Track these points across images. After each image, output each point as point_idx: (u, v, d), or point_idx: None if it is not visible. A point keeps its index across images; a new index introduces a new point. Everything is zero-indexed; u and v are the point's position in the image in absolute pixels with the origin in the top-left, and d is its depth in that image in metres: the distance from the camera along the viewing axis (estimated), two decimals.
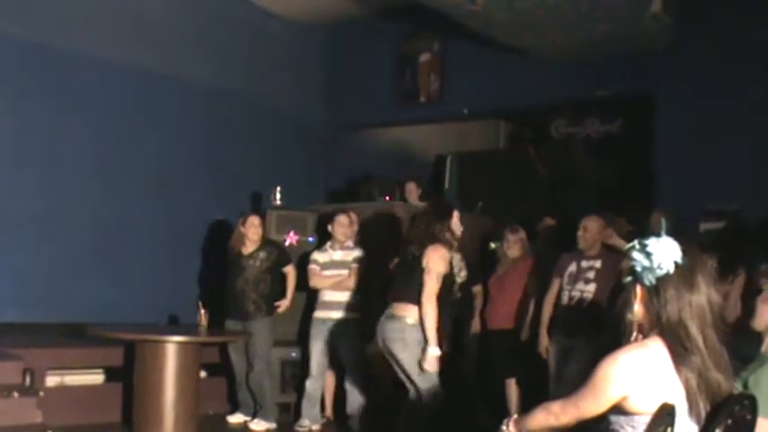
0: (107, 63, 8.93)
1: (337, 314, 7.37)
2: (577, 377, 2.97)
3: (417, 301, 5.58)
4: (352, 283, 7.40)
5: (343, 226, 7.52)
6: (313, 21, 11.09)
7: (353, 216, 7.72)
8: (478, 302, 7.83)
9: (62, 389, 7.05)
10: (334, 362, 7.52)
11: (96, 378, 7.41)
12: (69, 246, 8.47)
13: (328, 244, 7.58)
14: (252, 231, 7.54)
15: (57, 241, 8.39)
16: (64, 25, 8.68)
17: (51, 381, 6.98)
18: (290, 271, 7.67)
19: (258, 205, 9.05)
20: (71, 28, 8.73)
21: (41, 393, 6.54)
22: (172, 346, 6.61)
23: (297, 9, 10.78)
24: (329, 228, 7.58)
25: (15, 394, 6.27)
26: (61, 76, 8.62)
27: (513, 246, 7.58)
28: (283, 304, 7.58)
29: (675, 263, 2.71)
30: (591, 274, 6.51)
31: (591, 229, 6.62)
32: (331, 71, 11.48)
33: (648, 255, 2.73)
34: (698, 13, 8.29)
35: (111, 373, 7.41)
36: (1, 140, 8.13)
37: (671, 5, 8.02)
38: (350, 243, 7.56)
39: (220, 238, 8.83)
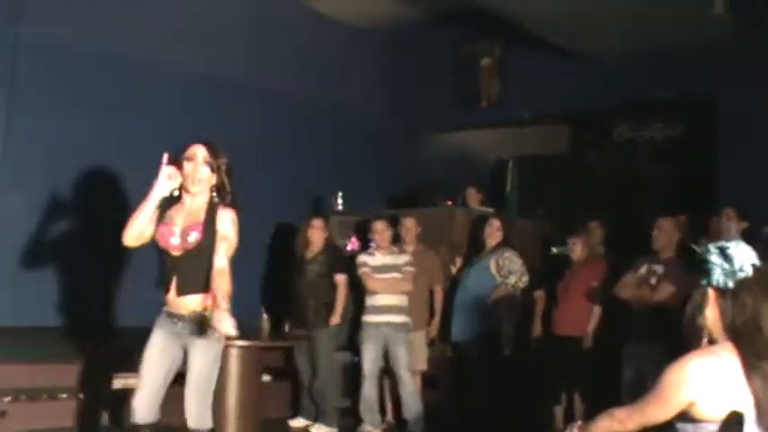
0: (179, 70, 9.12)
1: (391, 318, 7.35)
2: (644, 383, 2.92)
3: None
4: (404, 286, 7.38)
5: (378, 232, 7.51)
6: (375, 26, 11.13)
7: (411, 221, 7.71)
8: (539, 307, 7.78)
9: (127, 392, 7.12)
10: (388, 365, 7.51)
11: None
12: (133, 251, 8.54)
13: (374, 248, 7.57)
14: (314, 235, 7.55)
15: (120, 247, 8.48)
16: (140, 35, 8.90)
17: (118, 383, 7.06)
18: (339, 280, 7.53)
19: (320, 210, 9.09)
20: (146, 37, 8.94)
21: (108, 396, 6.62)
22: (234, 351, 6.65)
23: (359, 15, 10.83)
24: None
25: (81, 396, 6.37)
26: (137, 84, 8.84)
27: (576, 249, 7.52)
28: (333, 319, 7.49)
29: (754, 266, 2.65)
30: (661, 277, 6.40)
31: (665, 230, 6.53)
32: (393, 76, 11.49)
33: (728, 257, 2.66)
34: (761, 13, 8.13)
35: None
36: (87, 149, 8.29)
37: (734, 7, 7.90)
38: (395, 247, 7.54)
39: (284, 242, 8.88)
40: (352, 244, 8.23)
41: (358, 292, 7.61)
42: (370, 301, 7.43)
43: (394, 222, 7.68)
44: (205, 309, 4.30)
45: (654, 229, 6.56)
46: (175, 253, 4.36)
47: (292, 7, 10.40)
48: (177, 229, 4.37)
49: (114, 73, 8.75)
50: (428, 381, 7.61)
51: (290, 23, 10.32)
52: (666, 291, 6.27)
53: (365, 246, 7.97)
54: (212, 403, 6.54)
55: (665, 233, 6.53)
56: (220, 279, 4.25)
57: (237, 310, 8.60)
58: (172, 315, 4.39)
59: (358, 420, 7.46)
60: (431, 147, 11.69)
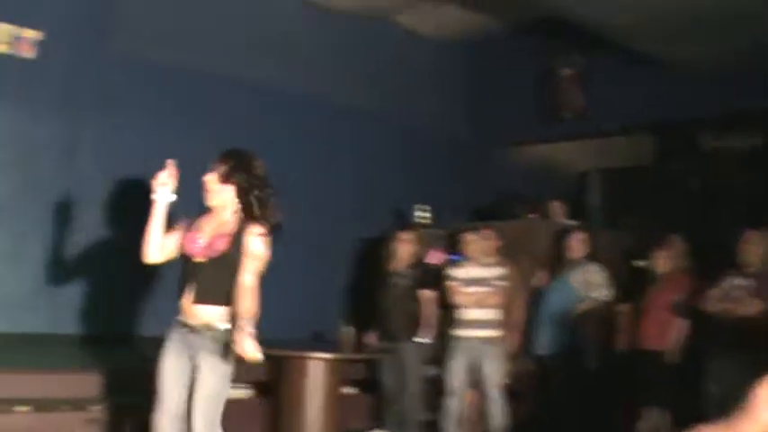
0: (256, 87, 9.21)
1: (479, 332, 7.30)
2: (729, 399, 2.86)
3: None
4: (494, 300, 7.33)
5: (469, 243, 7.47)
6: (455, 39, 11.12)
7: (490, 233, 7.67)
8: (624, 321, 7.65)
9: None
10: (476, 380, 7.46)
11: (243, 393, 7.56)
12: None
13: (465, 261, 7.54)
14: (402, 248, 7.55)
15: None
16: (224, 51, 9.06)
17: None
18: (426, 296, 7.48)
19: (406, 224, 9.11)
20: (230, 53, 9.09)
21: None
22: (316, 363, 6.70)
23: (441, 28, 10.83)
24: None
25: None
26: (222, 99, 9.01)
27: (660, 263, 7.39)
28: (420, 334, 7.44)
29: None
30: (749, 291, 6.26)
31: (753, 243, 6.39)
32: (473, 89, 11.47)
33: None
34: None
35: (257, 388, 7.54)
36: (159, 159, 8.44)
37: None
38: (488, 260, 7.49)
39: (366, 255, 8.90)
40: (433, 257, 8.21)
41: (445, 304, 7.58)
42: (459, 314, 7.40)
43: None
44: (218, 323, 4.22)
45: (741, 241, 6.41)
46: (198, 259, 4.29)
47: (376, 23, 10.45)
48: (204, 237, 4.32)
49: (199, 88, 8.92)
50: (511, 395, 7.54)
51: (374, 39, 10.37)
52: (756, 305, 6.13)
53: (448, 259, 7.95)
54: (294, 415, 6.66)
55: (754, 246, 6.38)
56: (246, 298, 4.20)
57: (319, 322, 8.66)
58: (184, 325, 4.30)
59: None
60: (513, 159, 11.63)
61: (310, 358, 6.72)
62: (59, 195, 7.65)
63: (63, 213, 7.51)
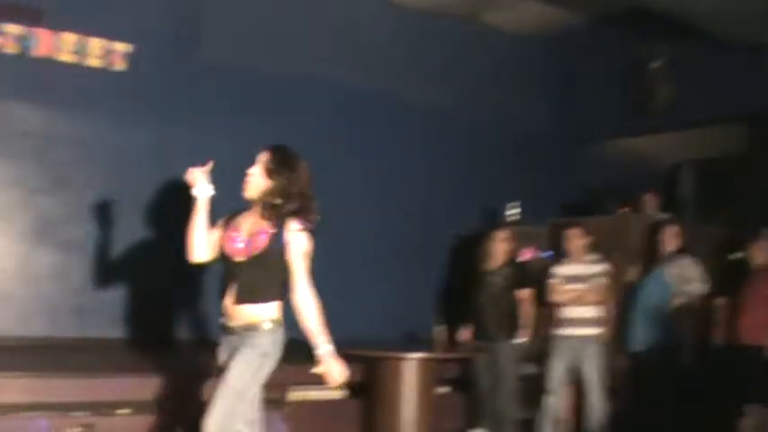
0: (342, 88, 9.33)
1: (579, 331, 7.25)
2: None
3: None
4: (591, 297, 7.25)
5: (572, 240, 7.40)
6: (538, 34, 11.03)
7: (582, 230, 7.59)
8: (720, 315, 7.49)
9: (305, 404, 7.29)
10: (575, 378, 7.40)
11: (337, 393, 7.61)
12: (314, 269, 8.77)
13: (567, 258, 7.48)
14: (497, 247, 7.52)
15: None
16: (309, 56, 9.23)
17: (294, 396, 7.23)
18: (523, 295, 7.47)
19: (493, 222, 9.09)
20: (315, 58, 9.27)
21: (286, 408, 6.81)
22: (410, 363, 6.72)
23: (525, 24, 10.77)
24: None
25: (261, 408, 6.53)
26: (309, 104, 9.14)
27: (756, 255, 7.22)
28: (518, 334, 7.41)
29: None
30: None
31: None
32: (559, 84, 11.36)
33: None
34: None
35: (352, 389, 7.59)
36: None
37: None
38: (590, 257, 7.41)
39: (458, 254, 8.89)
40: (525, 255, 8.16)
41: (544, 302, 7.54)
42: (560, 312, 7.35)
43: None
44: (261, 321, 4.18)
45: None
46: (239, 259, 4.22)
47: (458, 21, 10.44)
48: (243, 235, 4.25)
49: (287, 94, 9.07)
50: (606, 391, 7.45)
51: (456, 37, 10.36)
52: None
53: (540, 256, 7.91)
54: (388, 416, 6.68)
55: None
56: (308, 310, 4.16)
57: (413, 322, 8.67)
58: (227, 328, 4.26)
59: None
60: (603, 153, 11.48)
61: (404, 358, 6.74)
62: (152, 202, 7.84)
63: (157, 219, 7.69)
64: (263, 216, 4.26)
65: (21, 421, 5.71)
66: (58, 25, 8.20)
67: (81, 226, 7.98)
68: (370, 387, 7.05)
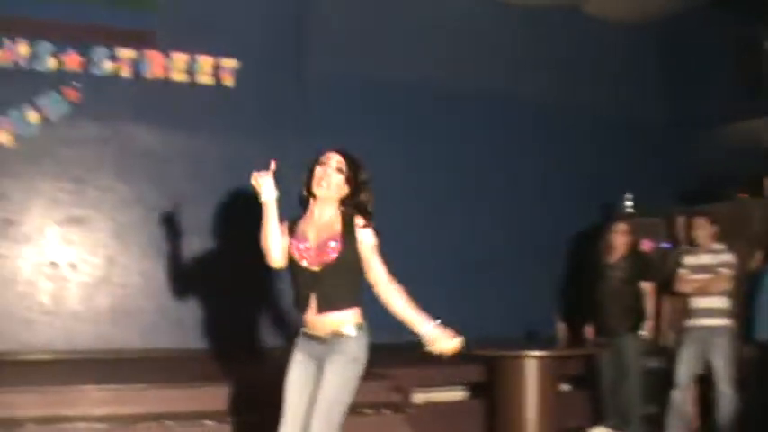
0: (448, 87, 9.37)
1: (707, 321, 7.07)
2: None
3: None
4: (716, 287, 7.07)
5: (699, 229, 7.22)
6: (642, 20, 10.84)
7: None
8: None
9: (428, 405, 7.32)
10: (703, 370, 7.22)
11: (460, 394, 7.62)
12: (429, 270, 8.84)
13: (694, 248, 7.33)
14: (617, 239, 7.43)
15: (417, 267, 8.77)
16: (413, 59, 9.30)
17: (418, 398, 7.27)
18: (646, 288, 7.35)
19: (609, 215, 8.96)
20: (419, 60, 9.33)
21: (410, 410, 6.85)
22: (531, 361, 6.67)
23: (627, 12, 10.60)
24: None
25: (386, 411, 6.61)
26: (416, 107, 9.27)
27: None
28: (642, 327, 7.29)
29: None
30: None
31: None
32: (671, 69, 11.13)
33: None
34: None
35: (473, 389, 7.59)
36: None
37: None
38: (717, 246, 7.23)
39: (575, 249, 8.80)
40: (644, 245, 8.01)
41: (671, 293, 7.40)
42: (689, 303, 7.21)
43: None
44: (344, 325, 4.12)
45: None
46: (314, 268, 4.13)
47: (563, 13, 10.33)
48: (313, 244, 4.17)
49: (386, 97, 9.14)
50: (735, 383, 7.26)
51: (563, 29, 10.25)
52: None
53: (661, 246, 7.77)
54: (511, 414, 6.65)
55: None
56: (398, 299, 4.13)
57: (533, 319, 8.58)
58: (310, 337, 4.17)
59: (662, 428, 7.24)
60: (717, 139, 11.19)
61: (525, 357, 6.70)
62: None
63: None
64: (327, 220, 4.22)
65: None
66: (168, 46, 8.45)
67: (198, 241, 8.17)
68: (491, 387, 7.03)
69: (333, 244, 4.10)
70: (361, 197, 4.22)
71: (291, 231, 4.26)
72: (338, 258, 4.09)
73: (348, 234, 4.14)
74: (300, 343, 4.21)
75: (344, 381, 4.07)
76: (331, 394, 4.03)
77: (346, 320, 4.12)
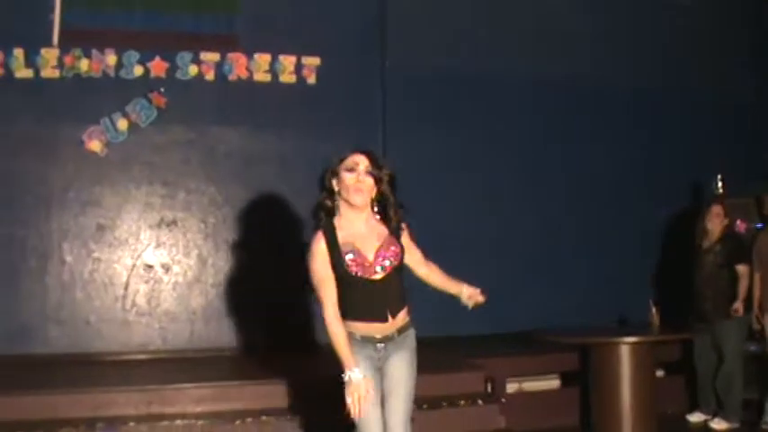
0: (532, 77, 9.30)
1: None
2: None
3: None
4: None
5: None
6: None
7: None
8: None
9: (521, 395, 7.31)
10: None
11: (552, 383, 7.58)
12: (517, 259, 8.91)
13: None
14: (712, 223, 7.29)
15: (506, 256, 8.78)
16: (493, 49, 9.28)
17: (511, 387, 7.27)
18: (740, 270, 7.16)
19: (699, 197, 8.80)
20: (498, 49, 9.29)
21: (503, 400, 6.85)
22: (625, 348, 6.62)
23: None
24: None
25: (480, 401, 6.62)
26: (491, 98, 9.23)
27: None
28: (736, 311, 7.11)
29: None
30: None
31: None
32: (755, 50, 10.85)
33: None
34: None
35: (566, 378, 7.55)
36: (443, 167, 8.78)
37: None
38: None
39: (667, 233, 8.67)
40: (738, 227, 7.85)
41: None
42: None
43: None
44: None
45: None
46: (376, 277, 4.08)
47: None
48: (370, 255, 4.09)
49: (468, 90, 9.13)
50: None
51: (647, 13, 10.07)
52: None
53: (756, 227, 7.62)
54: (606, 402, 6.60)
55: None
56: (437, 271, 4.42)
57: (627, 305, 8.44)
58: (377, 340, 4.13)
59: (761, 412, 7.09)
60: None
61: (619, 343, 6.64)
62: None
63: None
64: (369, 227, 4.17)
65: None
66: (250, 48, 8.56)
67: (283, 238, 8.24)
68: (585, 375, 6.99)
69: (390, 252, 4.12)
70: (388, 192, 4.18)
71: (332, 248, 4.08)
72: (400, 261, 4.15)
73: (395, 234, 4.19)
74: (362, 351, 4.09)
75: (414, 371, 4.24)
76: (408, 389, 4.20)
77: (407, 316, 4.24)
